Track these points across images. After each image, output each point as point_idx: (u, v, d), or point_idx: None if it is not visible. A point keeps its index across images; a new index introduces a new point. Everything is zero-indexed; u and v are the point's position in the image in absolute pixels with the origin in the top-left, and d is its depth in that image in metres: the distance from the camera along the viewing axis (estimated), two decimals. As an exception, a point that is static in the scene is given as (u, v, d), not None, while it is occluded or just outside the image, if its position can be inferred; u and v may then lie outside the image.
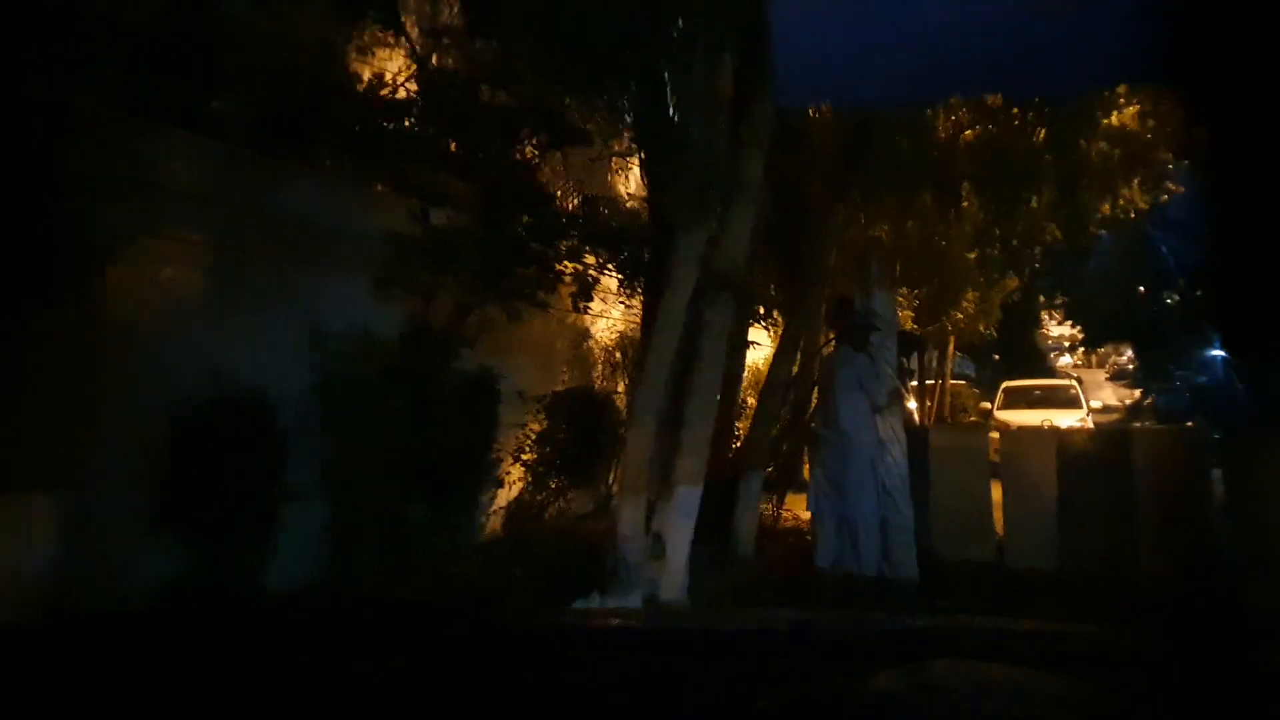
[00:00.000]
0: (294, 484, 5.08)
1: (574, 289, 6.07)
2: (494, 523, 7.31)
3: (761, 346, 9.99)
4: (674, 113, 4.55)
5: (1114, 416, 32.39)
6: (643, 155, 4.95)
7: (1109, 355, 53.18)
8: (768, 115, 4.97)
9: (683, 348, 5.02)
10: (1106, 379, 48.56)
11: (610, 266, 6.03)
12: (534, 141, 5.33)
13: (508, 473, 7.27)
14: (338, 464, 5.31)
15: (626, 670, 1.29)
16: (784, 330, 6.68)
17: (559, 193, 5.92)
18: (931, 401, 16.94)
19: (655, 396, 4.77)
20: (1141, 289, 41.74)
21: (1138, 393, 43.47)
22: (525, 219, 5.30)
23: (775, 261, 7.04)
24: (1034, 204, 7.30)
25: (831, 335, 6.40)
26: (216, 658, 1.36)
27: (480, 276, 5.56)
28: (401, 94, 5.46)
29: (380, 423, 5.44)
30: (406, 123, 5.22)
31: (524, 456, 7.23)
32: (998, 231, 8.20)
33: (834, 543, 5.87)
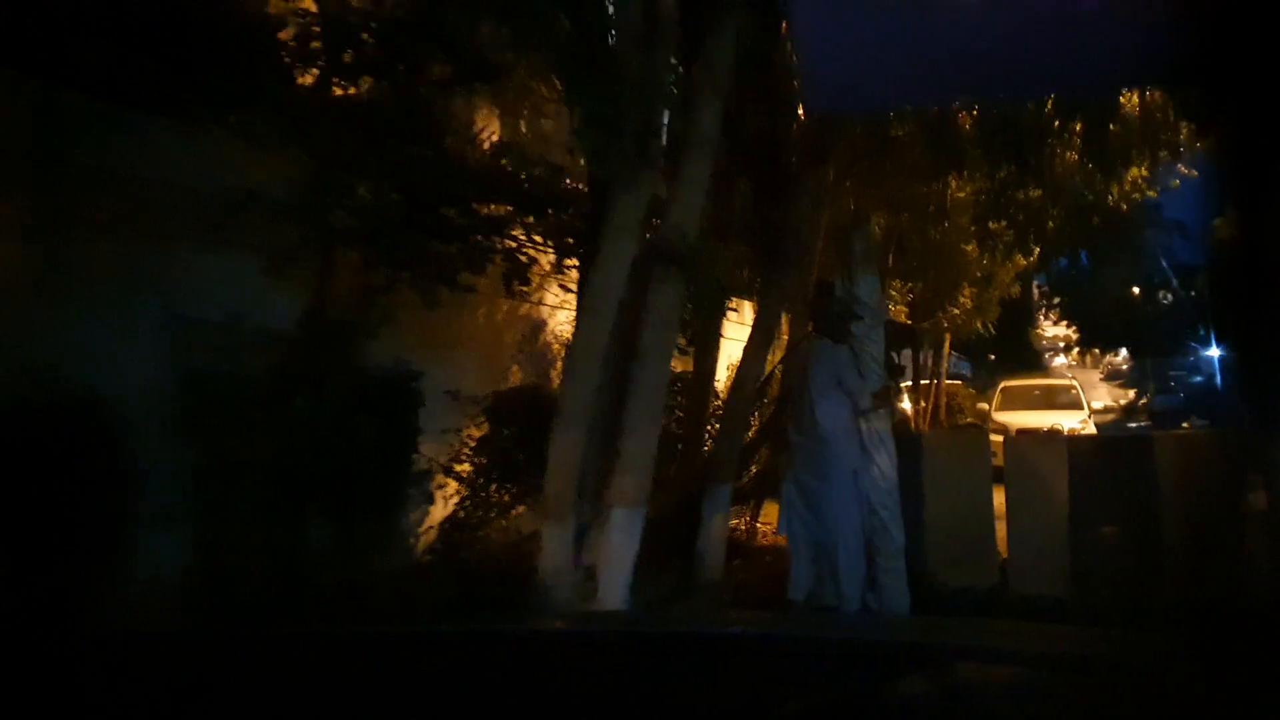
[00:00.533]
0: (152, 505, 4.19)
1: (508, 269, 5.11)
2: (424, 545, 6.39)
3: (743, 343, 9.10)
4: (611, 41, 3.65)
5: (1110, 417, 31.86)
6: (569, 92, 4.02)
7: (1103, 356, 52.86)
8: (726, 54, 4.05)
9: (626, 338, 4.11)
10: (1101, 379, 48.14)
11: (546, 240, 5.07)
12: (435, 75, 4.37)
13: (442, 486, 6.36)
14: (208, 479, 4.40)
15: (640, 676, 1.23)
16: (756, 320, 5.75)
17: (475, 144, 4.96)
18: (926, 402, 16.10)
19: (585, 398, 3.86)
20: (1136, 289, 41.37)
21: (1132, 393, 43.21)
22: (424, 176, 4.34)
23: (747, 239, 6.14)
24: (1047, 169, 6.46)
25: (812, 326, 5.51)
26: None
27: (380, 250, 4.65)
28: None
29: (262, 429, 4.52)
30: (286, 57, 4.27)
31: (457, 467, 6.28)
32: (1003, 201, 7.32)
33: (809, 571, 4.94)
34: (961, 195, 9.13)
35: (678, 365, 8.42)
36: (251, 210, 4.44)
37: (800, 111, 5.88)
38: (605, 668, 1.28)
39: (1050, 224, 7.66)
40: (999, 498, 6.11)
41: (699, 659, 1.31)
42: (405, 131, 4.38)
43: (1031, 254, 8.48)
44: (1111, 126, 6.55)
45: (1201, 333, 39.93)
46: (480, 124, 4.98)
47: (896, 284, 13.05)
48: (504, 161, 4.82)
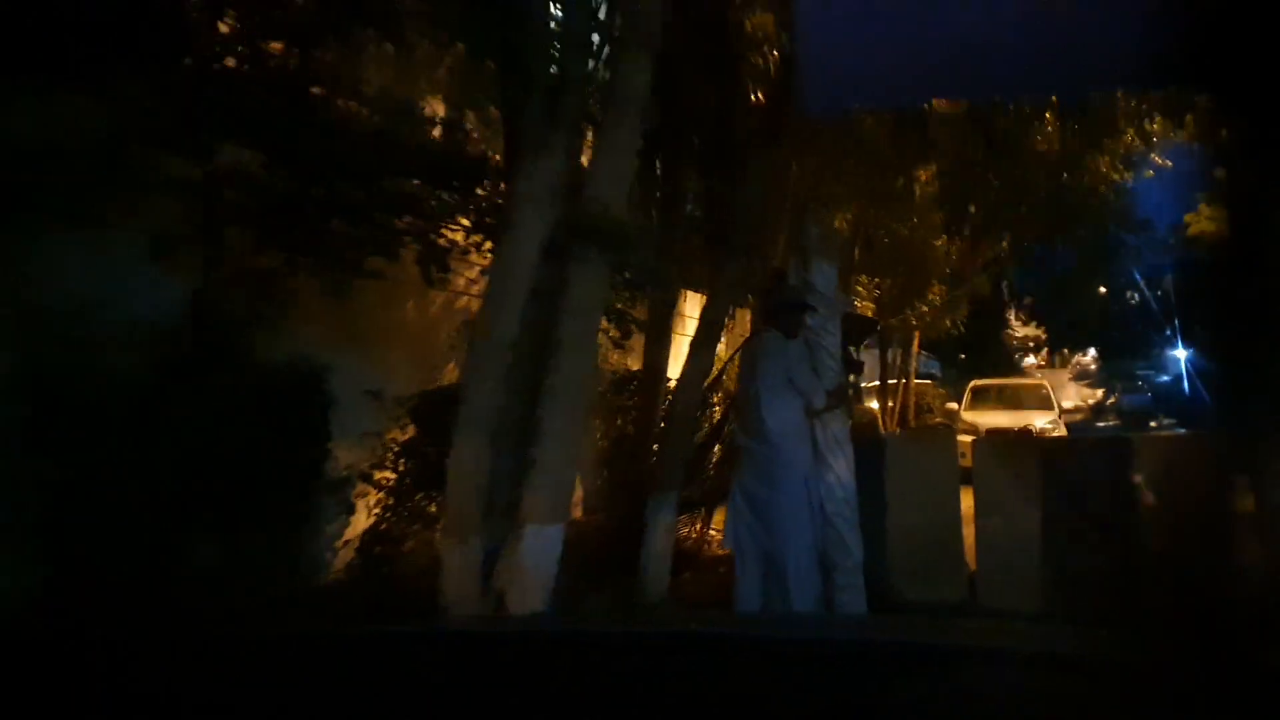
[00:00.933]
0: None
1: (422, 253, 4.55)
2: (343, 560, 5.81)
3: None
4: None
5: (1079, 417, 31.85)
6: (463, 33, 3.47)
7: (1072, 356, 53.21)
8: (655, 4, 3.52)
9: (544, 329, 3.58)
10: (1070, 379, 48.32)
11: (460, 218, 4.51)
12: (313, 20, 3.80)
13: (365, 494, 5.79)
14: (62, 493, 3.81)
15: (639, 677, 1.20)
16: (703, 311, 5.24)
17: (374, 109, 4.38)
18: (894, 402, 15.71)
19: (490, 399, 3.33)
20: (1103, 289, 41.56)
21: (1100, 392, 43.47)
22: (313, 144, 3.77)
23: (696, 223, 5.64)
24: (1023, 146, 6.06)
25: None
26: None
27: (273, 231, 4.09)
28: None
29: (129, 434, 3.94)
30: None
31: (378, 474, 5.71)
32: (972, 182, 6.88)
33: (758, 589, 4.42)
34: (931, 189, 8.71)
35: (635, 363, 7.95)
36: (120, 182, 3.88)
37: (758, 91, 5.38)
38: (603, 668, 1.26)
39: (1021, 207, 7.21)
40: (967, 502, 5.66)
41: (699, 659, 1.29)
42: (290, 92, 3.81)
43: (1002, 240, 8.02)
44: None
45: (1168, 333, 40.23)
46: (381, 85, 4.41)
47: (864, 279, 12.63)
48: (408, 130, 4.25)
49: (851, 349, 5.22)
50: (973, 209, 7.32)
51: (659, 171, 5.77)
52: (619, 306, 5.22)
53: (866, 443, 5.36)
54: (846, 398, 4.75)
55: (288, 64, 3.85)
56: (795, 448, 4.40)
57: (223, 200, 4.26)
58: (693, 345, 5.20)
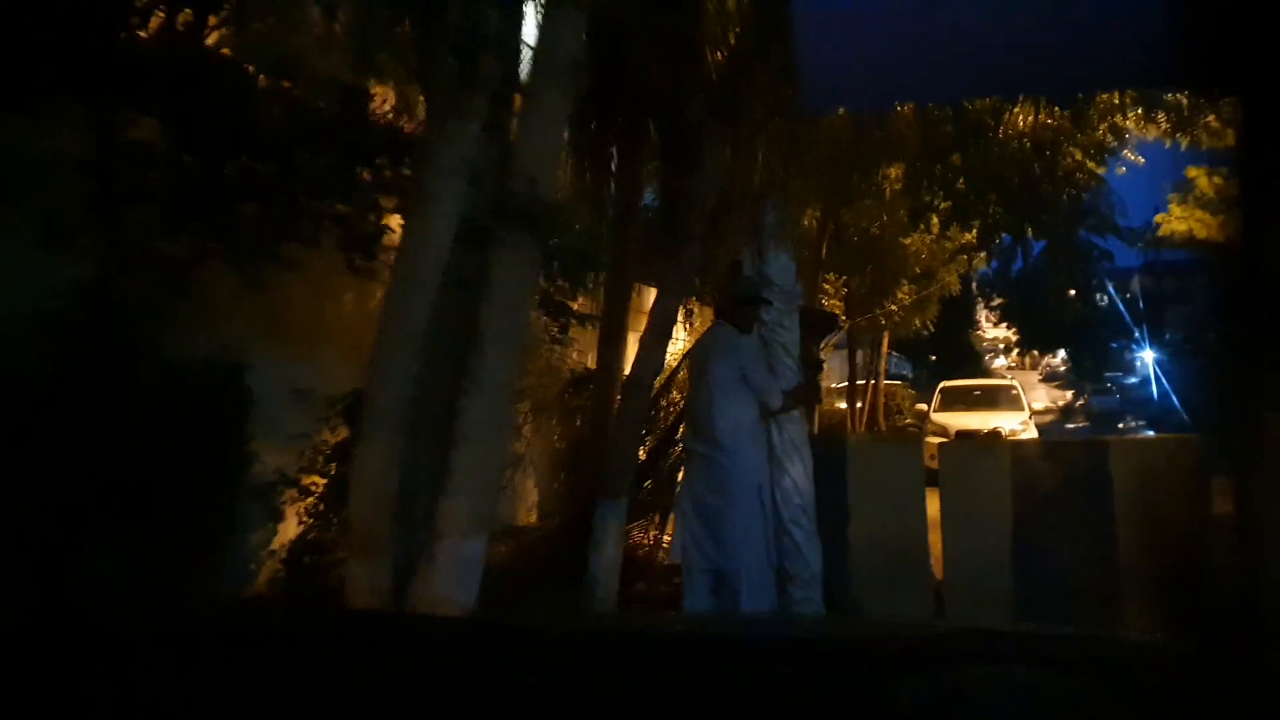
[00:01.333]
0: None
1: (343, 238, 4.16)
2: (270, 572, 5.40)
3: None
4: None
5: (1049, 418, 31.97)
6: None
7: (1042, 357, 53.68)
8: (591, -41, 3.17)
9: (468, 320, 3.21)
10: (1040, 380, 48.69)
11: (381, 198, 4.13)
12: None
13: (296, 501, 5.39)
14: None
15: (638, 676, 1.20)
16: (653, 304, 4.89)
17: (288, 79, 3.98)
18: (864, 403, 15.48)
19: (398, 399, 2.95)
20: (1073, 291, 41.90)
21: (1070, 394, 43.81)
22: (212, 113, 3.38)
23: (646, 210, 5.30)
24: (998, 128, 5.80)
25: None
26: None
27: (176, 214, 3.69)
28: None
29: (15, 435, 3.54)
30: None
31: (306, 479, 5.31)
32: (940, 168, 6.58)
33: (704, 605, 4.08)
34: (899, 186, 8.44)
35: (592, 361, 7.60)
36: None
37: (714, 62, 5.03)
38: (600, 668, 1.23)
39: (991, 195, 6.92)
40: (934, 507, 5.36)
41: (699, 659, 1.27)
42: (189, 56, 3.42)
43: (970, 228, 7.75)
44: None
45: (1137, 335, 40.60)
46: (296, 50, 4.02)
47: (831, 277, 12.37)
48: (327, 102, 3.86)
49: (814, 347, 4.90)
50: (940, 196, 7.03)
51: (612, 152, 5.44)
52: (558, 299, 4.86)
53: (828, 446, 5.05)
54: (804, 398, 4.42)
55: (183, 25, 3.47)
56: (748, 452, 4.07)
57: (120, 178, 3.86)
58: (643, 342, 4.85)
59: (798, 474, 4.27)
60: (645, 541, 6.10)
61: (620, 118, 5.59)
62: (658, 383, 5.56)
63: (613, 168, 5.82)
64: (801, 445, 4.32)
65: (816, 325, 5.09)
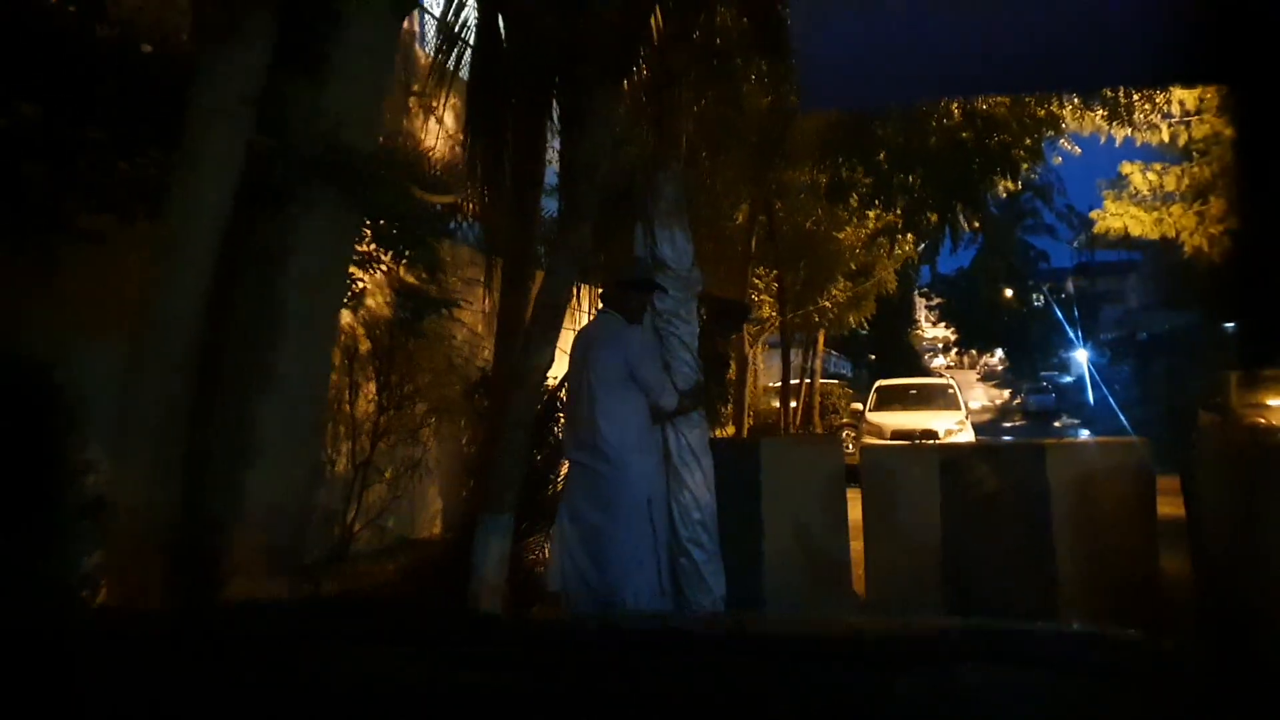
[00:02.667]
0: None
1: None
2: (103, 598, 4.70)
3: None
4: None
5: (986, 417, 32.14)
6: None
7: (980, 356, 54.45)
8: None
9: (263, 299, 2.58)
10: (978, 379, 49.30)
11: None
12: None
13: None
14: None
15: (636, 674, 1.17)
16: (540, 291, 4.29)
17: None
18: (798, 402, 15.06)
19: (157, 400, 2.30)
20: (1009, 291, 42.46)
21: (1007, 393, 44.39)
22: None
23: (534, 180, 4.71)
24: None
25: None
26: None
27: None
28: None
29: None
30: None
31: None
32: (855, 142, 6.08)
33: (587, 642, 3.50)
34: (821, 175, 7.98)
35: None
36: None
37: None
38: (598, 666, 1.20)
39: (916, 169, 6.42)
40: (857, 511, 4.87)
41: (696, 656, 1.25)
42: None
43: (894, 209, 7.28)
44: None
45: (1071, 334, 41.26)
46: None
47: (761, 271, 11.90)
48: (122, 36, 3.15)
49: (720, 341, 4.35)
50: (860, 171, 6.54)
51: (507, 119, 4.84)
52: (410, 279, 4.23)
53: (738, 451, 4.50)
54: (703, 398, 3.86)
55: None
56: (636, 461, 3.49)
57: None
58: (527, 333, 4.25)
59: (697, 486, 3.72)
60: (539, 562, 5.49)
61: (516, 82, 4.99)
62: (552, 380, 4.95)
63: (508, 138, 5.21)
64: (701, 453, 3.76)
65: (724, 316, 4.53)
